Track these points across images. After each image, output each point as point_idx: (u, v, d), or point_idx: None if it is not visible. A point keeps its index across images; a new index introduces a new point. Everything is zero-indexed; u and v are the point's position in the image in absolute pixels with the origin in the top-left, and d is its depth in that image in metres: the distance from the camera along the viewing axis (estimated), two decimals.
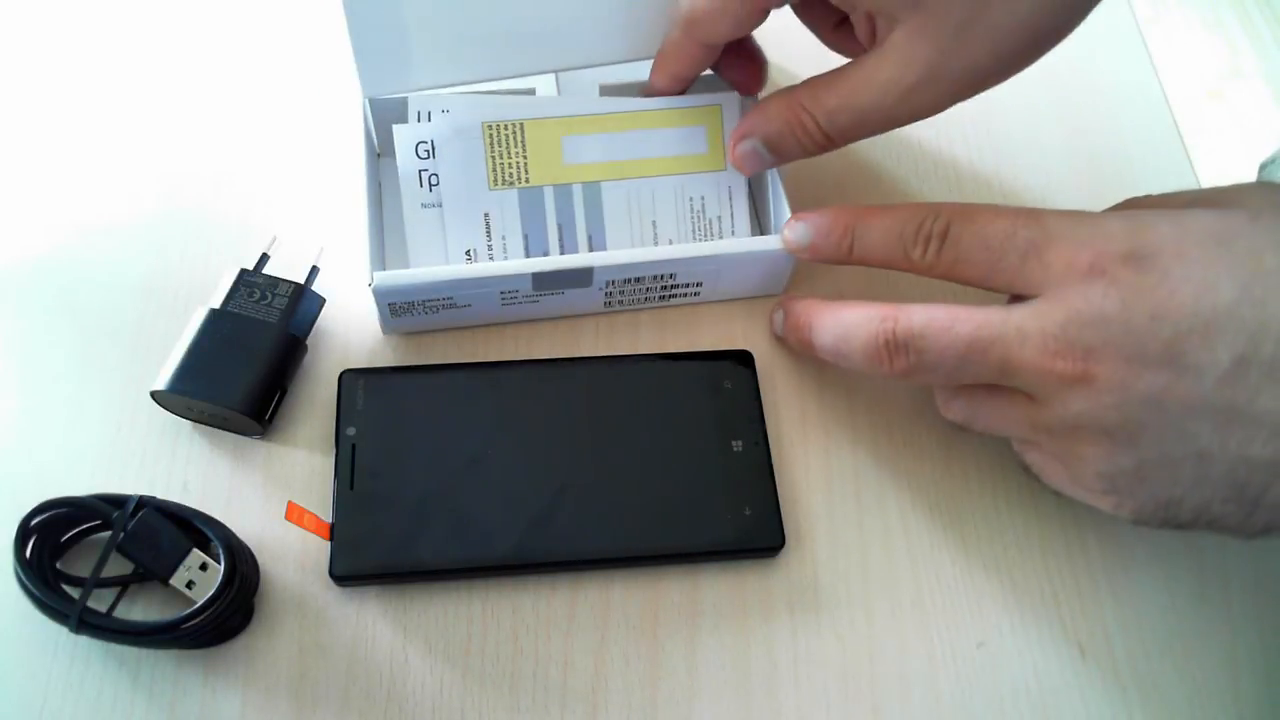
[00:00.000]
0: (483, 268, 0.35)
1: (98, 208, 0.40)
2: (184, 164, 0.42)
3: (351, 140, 0.38)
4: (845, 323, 0.34)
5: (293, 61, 0.45)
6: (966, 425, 0.34)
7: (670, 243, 0.39)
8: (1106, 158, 0.45)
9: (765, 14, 0.34)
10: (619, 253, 0.36)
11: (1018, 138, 0.45)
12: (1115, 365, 0.28)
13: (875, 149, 0.45)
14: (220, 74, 0.44)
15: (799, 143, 0.35)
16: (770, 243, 0.37)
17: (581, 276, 0.36)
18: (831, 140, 0.34)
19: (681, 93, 0.38)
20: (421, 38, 0.36)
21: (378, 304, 0.36)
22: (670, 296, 0.39)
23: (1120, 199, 0.36)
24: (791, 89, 0.35)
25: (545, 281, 0.36)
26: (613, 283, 0.37)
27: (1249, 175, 0.54)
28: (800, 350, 0.38)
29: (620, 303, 0.39)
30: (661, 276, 0.37)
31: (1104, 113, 0.47)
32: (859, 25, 0.34)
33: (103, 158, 0.42)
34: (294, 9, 0.46)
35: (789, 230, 0.36)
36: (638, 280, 0.37)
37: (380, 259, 0.36)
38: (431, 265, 0.36)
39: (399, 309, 0.36)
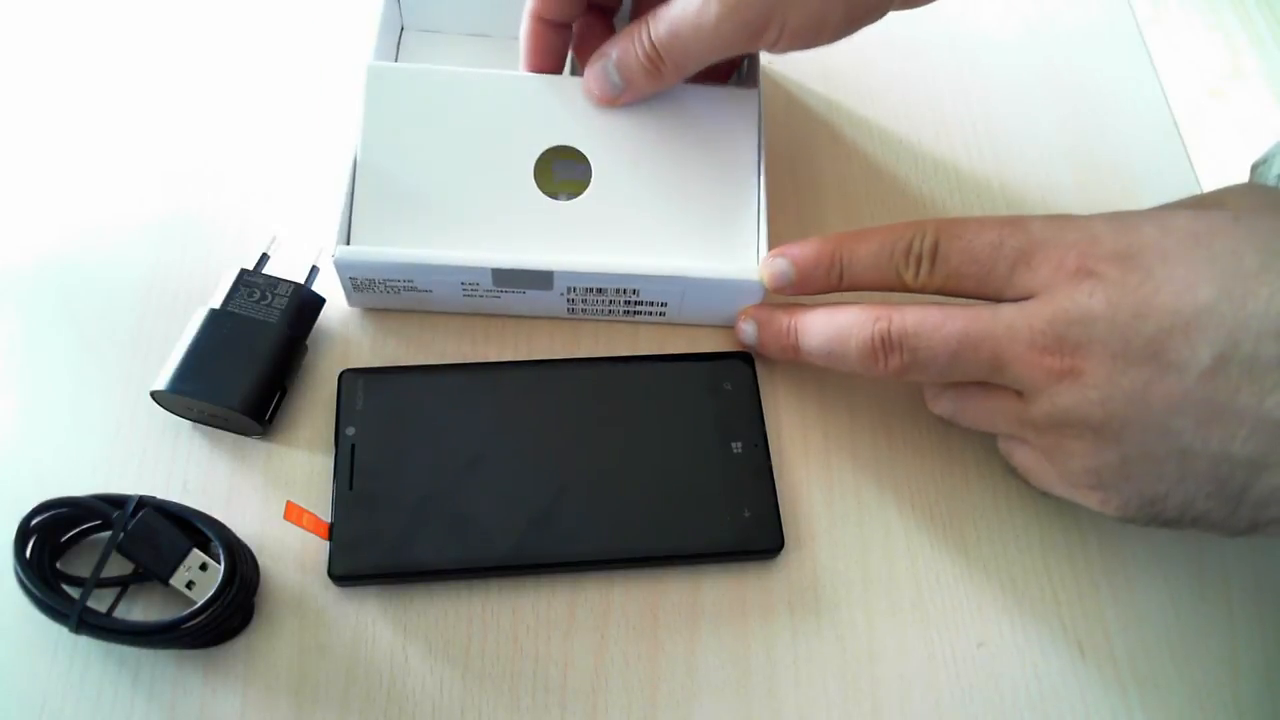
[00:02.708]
0: (443, 255, 0.35)
1: (98, 208, 0.40)
2: (184, 164, 0.42)
3: (351, 141, 0.38)
4: (838, 324, 0.34)
5: (293, 62, 0.45)
6: (953, 420, 0.35)
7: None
8: (1106, 157, 0.45)
9: None
10: (580, 259, 0.36)
11: (1018, 137, 0.45)
12: (1101, 361, 0.29)
13: (876, 150, 0.45)
14: (220, 74, 0.44)
15: (638, 63, 0.35)
16: (738, 270, 0.36)
17: (541, 279, 0.36)
18: (662, 60, 0.34)
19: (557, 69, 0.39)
20: (419, 212, 0.37)
21: (340, 277, 0.36)
22: (635, 313, 0.38)
23: (1121, 198, 0.36)
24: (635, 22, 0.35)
25: (505, 278, 0.36)
26: (573, 289, 0.37)
27: (1248, 175, 0.54)
28: (780, 357, 0.37)
29: (584, 311, 0.38)
30: (624, 290, 0.37)
31: (1104, 112, 0.47)
32: None
33: (102, 158, 0.42)
34: (294, 10, 0.46)
35: (769, 267, 0.36)
36: (599, 290, 0.37)
37: (347, 233, 0.36)
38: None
39: (360, 284, 0.36)
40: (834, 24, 0.34)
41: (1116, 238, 0.30)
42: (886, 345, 0.32)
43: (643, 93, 0.36)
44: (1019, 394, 0.31)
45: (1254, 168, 0.53)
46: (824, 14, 0.33)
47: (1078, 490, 0.31)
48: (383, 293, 0.37)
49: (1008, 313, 0.30)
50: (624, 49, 0.35)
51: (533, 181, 0.37)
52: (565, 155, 0.38)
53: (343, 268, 0.36)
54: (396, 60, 0.43)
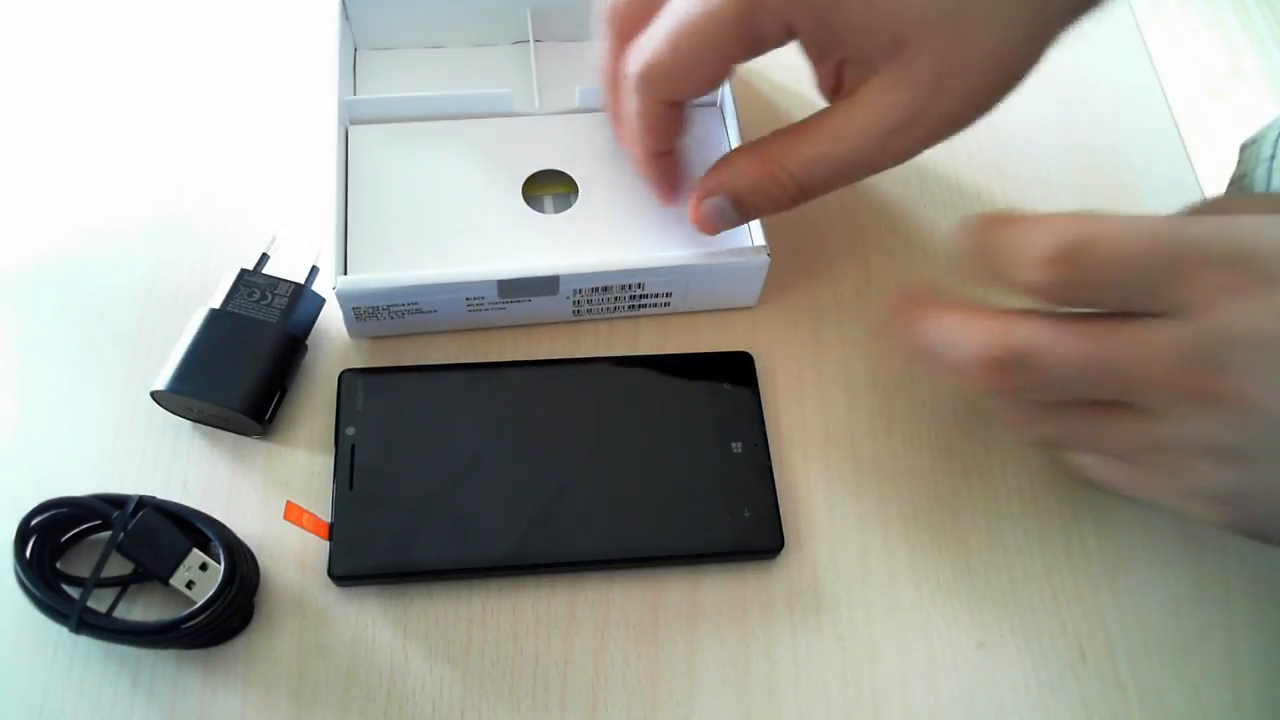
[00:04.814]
0: (448, 273, 0.35)
1: (98, 208, 0.40)
2: (184, 164, 0.42)
3: (337, 184, 0.38)
4: (953, 329, 0.30)
5: (293, 63, 0.45)
6: (1058, 444, 0.32)
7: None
8: (1106, 158, 0.45)
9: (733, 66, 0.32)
10: (585, 260, 0.36)
11: (1018, 137, 0.45)
12: (1247, 385, 0.26)
13: None
14: (220, 75, 0.44)
15: (770, 198, 0.33)
16: (737, 254, 0.37)
17: (547, 285, 0.36)
18: (804, 193, 0.33)
19: (666, 152, 0.36)
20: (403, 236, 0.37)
21: (342, 308, 0.36)
22: (640, 307, 0.39)
23: (1120, 199, 0.36)
24: (759, 142, 0.33)
25: (511, 289, 0.36)
26: (580, 291, 0.37)
27: (1237, 155, 0.54)
28: (893, 332, 0.32)
29: (590, 312, 0.38)
30: (629, 286, 0.37)
31: (1104, 112, 0.47)
32: (824, 77, 0.32)
33: (102, 158, 0.42)
34: (293, 12, 0.46)
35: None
36: (605, 289, 0.37)
37: (344, 263, 0.36)
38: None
39: (364, 313, 0.36)
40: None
41: (1273, 258, 0.26)
42: (1004, 364, 0.29)
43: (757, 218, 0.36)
44: (1142, 413, 0.28)
45: (1243, 148, 0.52)
46: (990, 104, 0.31)
47: (1199, 506, 0.29)
48: (387, 319, 0.37)
49: (1146, 331, 0.27)
50: (756, 183, 0.33)
51: (523, 202, 0.38)
52: (549, 176, 0.39)
53: (345, 298, 0.35)
54: (355, 80, 0.42)
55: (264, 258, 0.37)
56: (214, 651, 0.32)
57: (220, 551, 0.32)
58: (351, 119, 0.39)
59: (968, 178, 0.44)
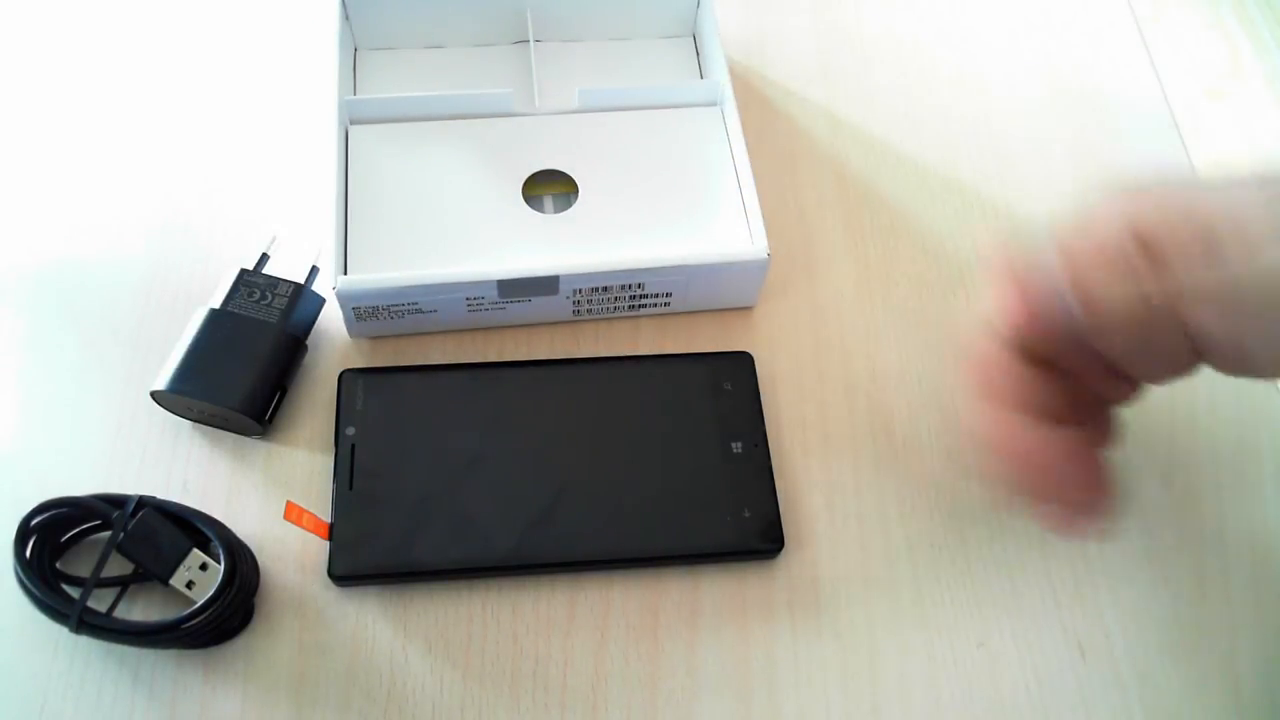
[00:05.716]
0: (448, 273, 0.35)
1: (98, 209, 0.40)
2: (184, 164, 0.42)
3: (336, 181, 0.38)
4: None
5: (293, 63, 0.45)
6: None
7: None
8: (1106, 157, 0.45)
9: None
10: (584, 260, 0.36)
11: (1017, 137, 0.45)
12: None
13: (875, 147, 0.45)
14: (220, 76, 0.44)
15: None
16: (738, 252, 0.37)
17: (547, 284, 0.36)
18: None
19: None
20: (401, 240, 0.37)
21: (342, 307, 0.36)
22: (640, 307, 0.39)
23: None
24: None
25: (511, 289, 0.36)
26: (580, 291, 0.37)
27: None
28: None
29: (590, 312, 0.38)
30: (629, 286, 0.37)
31: (1104, 112, 0.47)
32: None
33: (103, 159, 0.42)
34: (293, 12, 0.46)
35: None
36: (605, 289, 0.37)
37: (344, 262, 0.36)
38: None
39: (364, 313, 0.36)
40: None
41: None
42: None
43: None
44: None
45: None
46: None
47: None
48: (386, 319, 0.37)
49: None
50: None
51: (523, 202, 0.38)
52: (549, 176, 0.39)
53: (345, 298, 0.35)
54: (355, 80, 0.42)
55: (264, 258, 0.37)
56: (214, 651, 0.32)
57: (220, 551, 0.32)
58: (351, 119, 0.39)
59: (967, 177, 0.44)
